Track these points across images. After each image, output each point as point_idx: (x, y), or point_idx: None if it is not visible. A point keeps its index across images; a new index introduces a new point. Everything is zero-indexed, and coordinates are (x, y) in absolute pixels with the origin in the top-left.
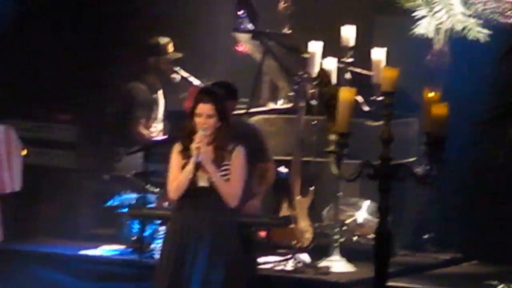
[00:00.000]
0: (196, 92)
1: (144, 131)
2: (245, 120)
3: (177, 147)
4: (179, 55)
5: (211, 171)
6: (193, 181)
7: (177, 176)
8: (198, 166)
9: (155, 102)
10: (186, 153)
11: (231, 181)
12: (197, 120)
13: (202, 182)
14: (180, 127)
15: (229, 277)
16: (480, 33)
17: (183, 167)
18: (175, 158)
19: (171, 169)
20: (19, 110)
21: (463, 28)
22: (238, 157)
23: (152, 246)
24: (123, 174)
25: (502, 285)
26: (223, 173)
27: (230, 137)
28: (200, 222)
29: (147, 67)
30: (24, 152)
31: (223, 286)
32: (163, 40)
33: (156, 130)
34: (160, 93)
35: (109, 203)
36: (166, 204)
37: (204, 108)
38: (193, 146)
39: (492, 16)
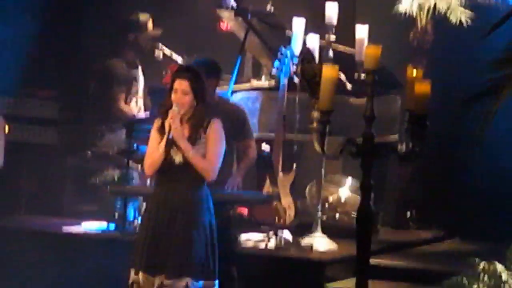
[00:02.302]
0: (174, 69)
1: (124, 107)
2: (227, 98)
3: (156, 123)
4: (159, 32)
5: (183, 148)
6: (169, 158)
7: (153, 151)
8: (172, 143)
9: (134, 78)
10: (163, 129)
11: (206, 154)
12: (173, 96)
13: (178, 159)
14: (159, 104)
15: (207, 250)
16: (463, 13)
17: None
18: (153, 134)
19: (149, 145)
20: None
21: (447, 8)
22: (213, 129)
23: (135, 223)
24: (106, 151)
25: (483, 263)
26: (198, 147)
27: (206, 116)
28: (175, 197)
29: (127, 44)
30: (7, 129)
31: (200, 260)
32: (143, 16)
33: (136, 106)
34: (139, 69)
35: (91, 180)
36: (148, 180)
37: (180, 84)
38: (166, 122)
39: None
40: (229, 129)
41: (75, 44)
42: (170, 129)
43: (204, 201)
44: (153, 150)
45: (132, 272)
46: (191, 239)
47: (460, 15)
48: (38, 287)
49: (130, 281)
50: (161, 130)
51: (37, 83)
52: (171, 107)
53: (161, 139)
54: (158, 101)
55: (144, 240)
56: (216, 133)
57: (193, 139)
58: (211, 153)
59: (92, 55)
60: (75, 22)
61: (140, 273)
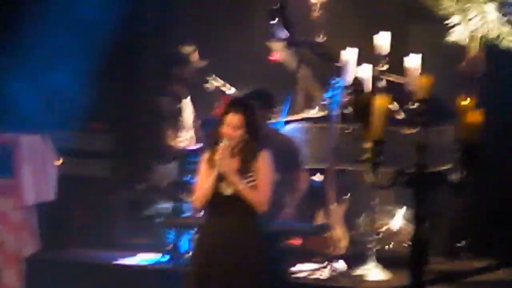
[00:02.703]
0: (228, 101)
1: (172, 142)
2: (279, 129)
3: (205, 156)
4: (204, 63)
5: (233, 182)
6: (218, 191)
7: (202, 184)
8: (222, 176)
9: (180, 112)
10: (211, 161)
11: (258, 186)
12: (224, 129)
13: (228, 191)
14: (209, 135)
15: (257, 284)
16: None
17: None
18: (202, 166)
19: (198, 178)
20: (54, 119)
21: (498, 36)
22: (262, 160)
23: (188, 254)
24: (158, 184)
25: None
26: (249, 180)
27: (257, 150)
28: (228, 229)
29: (172, 77)
30: (59, 162)
31: None
32: (187, 49)
33: (185, 139)
34: (185, 101)
35: (144, 212)
36: (201, 213)
37: (233, 119)
38: (216, 156)
39: None
40: (280, 160)
41: (128, 78)
42: (219, 164)
43: (258, 232)
44: (203, 183)
45: None
46: (247, 272)
47: (510, 43)
48: None
49: None
50: (210, 162)
51: (90, 116)
52: (220, 139)
53: (210, 171)
54: (208, 132)
55: (197, 273)
56: (265, 164)
57: (243, 171)
58: (262, 184)
59: (144, 88)
60: (128, 56)
61: None
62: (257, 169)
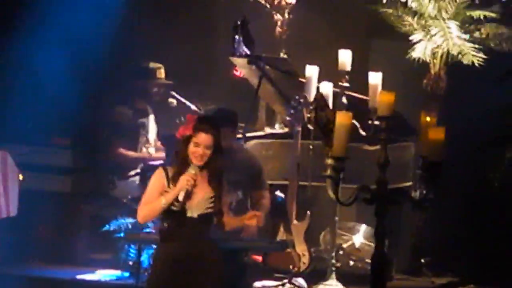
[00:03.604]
0: (196, 120)
1: (125, 153)
2: (242, 146)
3: (160, 172)
4: (170, 82)
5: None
6: (182, 211)
7: (152, 200)
8: (185, 198)
9: (142, 126)
10: (173, 180)
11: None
12: (194, 149)
13: (190, 213)
14: (174, 153)
15: None
16: (475, 57)
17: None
18: (157, 181)
19: (148, 192)
20: (14, 135)
21: (459, 52)
22: (223, 182)
23: (149, 270)
24: (120, 199)
25: None
26: (211, 206)
27: (222, 170)
28: (188, 252)
29: (136, 92)
30: (21, 177)
31: None
32: (154, 65)
33: (148, 154)
34: (150, 118)
35: (105, 228)
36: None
37: (205, 139)
38: (184, 181)
39: (488, 42)
40: (245, 177)
41: (88, 91)
42: (186, 189)
43: (219, 253)
44: (153, 199)
45: None
46: None
47: (472, 58)
48: None
49: None
50: (169, 180)
51: (51, 131)
52: (185, 158)
53: (162, 189)
54: (172, 148)
55: None
56: (225, 186)
57: (214, 193)
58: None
59: (104, 102)
60: (88, 69)
61: None
62: (219, 191)
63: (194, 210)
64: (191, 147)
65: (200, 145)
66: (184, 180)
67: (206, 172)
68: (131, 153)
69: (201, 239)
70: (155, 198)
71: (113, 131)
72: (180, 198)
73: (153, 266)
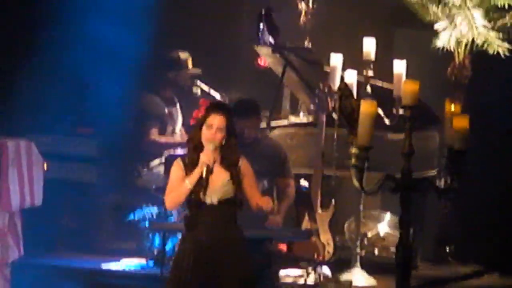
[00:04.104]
0: (208, 103)
1: (157, 137)
2: (267, 136)
3: (178, 162)
4: (198, 71)
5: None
6: (200, 198)
7: (176, 188)
8: (205, 183)
9: (170, 116)
10: (190, 165)
11: (251, 189)
12: (207, 132)
13: (210, 200)
14: (187, 140)
15: None
16: (500, 47)
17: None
18: (176, 172)
19: (171, 181)
20: (39, 124)
21: (484, 41)
22: (245, 165)
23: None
24: (144, 188)
25: None
26: (229, 189)
27: (237, 154)
28: (210, 239)
29: (166, 81)
30: (45, 167)
31: None
32: (183, 55)
33: (181, 137)
34: (177, 107)
35: (130, 217)
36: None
37: (217, 120)
38: (203, 157)
39: None
40: (269, 165)
41: (113, 81)
42: (206, 169)
43: (242, 239)
44: (177, 185)
45: None
46: (234, 279)
47: (497, 48)
48: None
49: None
50: (186, 166)
51: (76, 121)
52: (199, 142)
53: (182, 178)
54: None
55: (179, 281)
56: (249, 168)
57: (232, 178)
58: (255, 186)
59: (130, 92)
60: (114, 60)
61: None
62: (245, 175)
63: (213, 197)
64: (204, 130)
65: (213, 127)
66: (204, 156)
67: (222, 158)
68: (164, 138)
69: (224, 225)
70: (178, 186)
71: (142, 119)
72: (204, 175)
73: (178, 254)
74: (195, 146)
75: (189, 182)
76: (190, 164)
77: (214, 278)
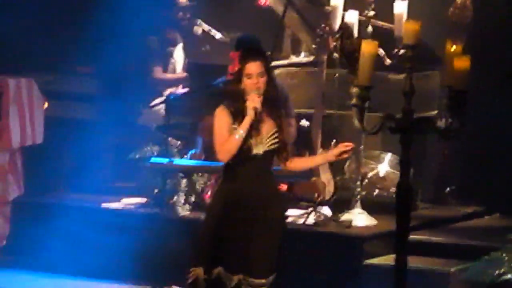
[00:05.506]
0: (241, 52)
1: (161, 75)
2: None
3: (223, 110)
4: (193, 3)
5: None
6: (247, 149)
7: (227, 138)
8: (257, 130)
9: (171, 55)
10: (236, 114)
11: (284, 147)
12: (248, 81)
13: (256, 150)
14: (227, 93)
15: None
16: None
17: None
18: (223, 119)
19: (218, 133)
20: (39, 63)
21: None
22: (285, 122)
23: (174, 199)
24: (145, 127)
25: None
26: (275, 141)
27: (278, 97)
28: (257, 191)
29: (164, 20)
30: (46, 105)
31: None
32: None
33: (183, 75)
34: (178, 47)
35: (130, 156)
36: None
37: (255, 67)
38: (251, 102)
39: None
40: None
41: (113, 20)
42: (253, 113)
43: (277, 187)
44: (226, 137)
45: (200, 270)
46: (279, 237)
47: None
48: (77, 259)
49: (199, 278)
50: (231, 118)
51: (76, 59)
52: (241, 94)
53: (230, 126)
54: (197, 77)
55: (216, 238)
56: (287, 125)
57: (275, 122)
58: (289, 144)
59: (131, 31)
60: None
61: (215, 270)
62: (285, 132)
63: (259, 147)
64: (245, 81)
65: (252, 75)
66: (251, 102)
67: (265, 106)
68: (168, 75)
69: (265, 176)
70: (227, 135)
71: (144, 59)
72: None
73: (214, 203)
74: (238, 98)
75: (243, 130)
76: (236, 113)
77: (249, 226)
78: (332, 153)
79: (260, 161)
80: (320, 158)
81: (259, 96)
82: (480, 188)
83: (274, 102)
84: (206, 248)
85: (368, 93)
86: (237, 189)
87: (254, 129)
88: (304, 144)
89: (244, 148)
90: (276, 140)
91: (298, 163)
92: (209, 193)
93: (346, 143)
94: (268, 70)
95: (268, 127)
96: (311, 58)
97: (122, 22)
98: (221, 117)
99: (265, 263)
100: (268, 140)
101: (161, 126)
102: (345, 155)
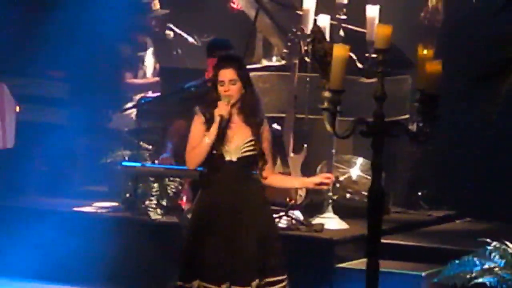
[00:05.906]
0: (215, 60)
1: (131, 80)
2: None
3: (199, 117)
4: (165, 11)
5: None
6: (220, 156)
7: (197, 144)
8: (222, 139)
9: (141, 60)
10: (207, 124)
11: (268, 158)
12: (221, 89)
13: (229, 156)
14: (205, 104)
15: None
16: None
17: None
18: (197, 126)
19: (191, 137)
20: (11, 67)
21: None
22: (269, 133)
23: (146, 203)
24: (116, 131)
25: (495, 243)
26: (251, 148)
27: (257, 105)
28: (230, 197)
29: (135, 26)
30: (17, 109)
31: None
32: None
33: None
34: (148, 52)
35: (102, 160)
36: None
37: (226, 74)
38: (216, 113)
39: None
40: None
41: (85, 25)
42: (220, 120)
43: (260, 199)
44: (197, 143)
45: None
46: (250, 241)
47: None
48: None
49: None
50: (205, 125)
51: (47, 63)
52: (216, 101)
53: (203, 133)
54: (169, 81)
55: (200, 248)
56: (270, 134)
57: (252, 134)
58: (270, 156)
59: (102, 36)
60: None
61: (198, 282)
62: (265, 139)
63: (233, 154)
64: (219, 88)
65: (224, 82)
66: (218, 110)
67: (242, 113)
68: (138, 80)
69: (245, 183)
70: (199, 141)
71: (115, 64)
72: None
73: (195, 212)
74: (213, 104)
75: (209, 138)
76: (210, 119)
77: (234, 232)
78: (311, 181)
79: (236, 168)
80: (298, 182)
81: (228, 104)
82: (451, 192)
83: (252, 110)
84: (190, 262)
85: (339, 97)
86: (212, 196)
87: (226, 136)
88: (275, 148)
89: (216, 155)
90: (252, 148)
91: (275, 180)
92: (184, 198)
93: (327, 174)
94: (244, 78)
95: (244, 135)
96: (283, 62)
97: (93, 26)
98: (196, 124)
99: (249, 271)
100: (243, 147)
101: (132, 130)
102: (325, 187)
